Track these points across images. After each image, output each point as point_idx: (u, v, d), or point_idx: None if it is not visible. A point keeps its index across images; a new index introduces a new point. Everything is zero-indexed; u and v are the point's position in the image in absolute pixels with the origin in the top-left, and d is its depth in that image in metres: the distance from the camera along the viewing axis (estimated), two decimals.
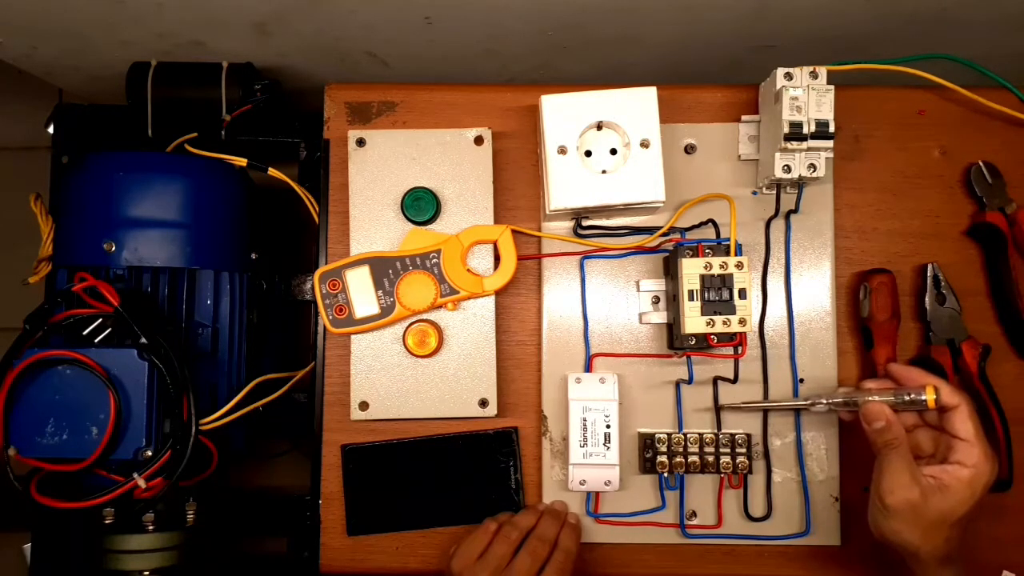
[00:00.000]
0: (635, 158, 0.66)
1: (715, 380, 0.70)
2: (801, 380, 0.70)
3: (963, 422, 0.57)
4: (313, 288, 0.69)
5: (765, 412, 0.70)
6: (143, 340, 0.66)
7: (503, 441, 0.72)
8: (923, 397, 0.58)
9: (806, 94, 0.65)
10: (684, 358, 0.70)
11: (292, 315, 0.90)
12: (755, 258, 0.71)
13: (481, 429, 0.72)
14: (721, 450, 0.69)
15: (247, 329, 0.78)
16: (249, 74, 0.84)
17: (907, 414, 0.61)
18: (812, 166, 0.66)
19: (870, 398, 0.60)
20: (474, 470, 0.71)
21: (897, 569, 0.61)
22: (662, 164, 0.66)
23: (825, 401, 0.64)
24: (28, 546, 0.81)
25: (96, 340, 0.68)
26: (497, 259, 0.69)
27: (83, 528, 0.76)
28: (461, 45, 0.85)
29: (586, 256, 0.72)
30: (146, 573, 0.69)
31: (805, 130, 0.64)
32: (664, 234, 0.70)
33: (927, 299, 0.71)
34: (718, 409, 0.70)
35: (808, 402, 0.65)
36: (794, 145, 0.65)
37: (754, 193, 0.72)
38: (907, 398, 0.59)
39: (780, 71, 0.65)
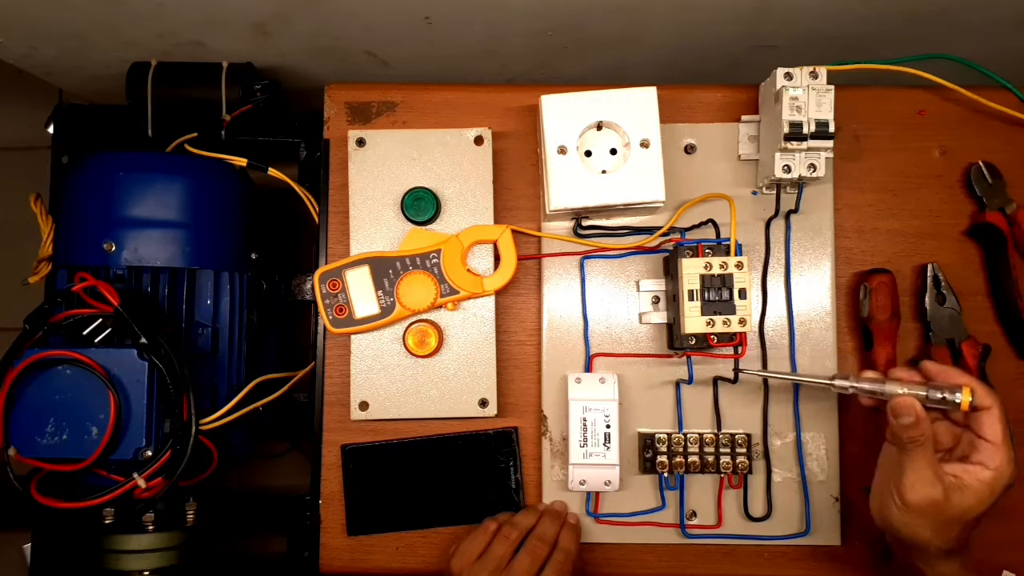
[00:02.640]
0: (635, 158, 0.66)
1: (715, 380, 0.70)
2: None
3: (992, 424, 0.55)
4: (313, 288, 0.69)
5: (765, 411, 0.70)
6: (143, 340, 0.66)
7: (503, 441, 0.72)
8: (957, 398, 0.56)
9: (806, 94, 0.65)
10: (684, 358, 0.70)
11: (292, 315, 0.90)
12: (755, 258, 0.71)
13: (481, 429, 0.72)
14: (721, 450, 0.69)
15: (247, 329, 0.78)
16: (249, 74, 0.84)
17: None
18: (812, 166, 0.66)
19: (900, 391, 0.57)
20: (474, 470, 0.71)
21: (898, 557, 0.61)
22: (662, 164, 0.66)
23: (850, 384, 0.60)
24: (28, 546, 0.81)
25: (96, 340, 0.68)
26: (497, 259, 0.69)
27: (83, 528, 0.76)
28: (461, 45, 0.85)
29: (586, 256, 0.72)
30: (146, 573, 0.69)
31: (805, 130, 0.64)
32: (664, 234, 0.70)
33: (927, 299, 0.71)
34: (718, 409, 0.70)
35: (831, 380, 0.61)
36: (794, 145, 0.65)
37: (754, 193, 0.72)
38: (939, 396, 0.56)
39: (780, 71, 0.65)
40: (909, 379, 0.59)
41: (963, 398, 0.56)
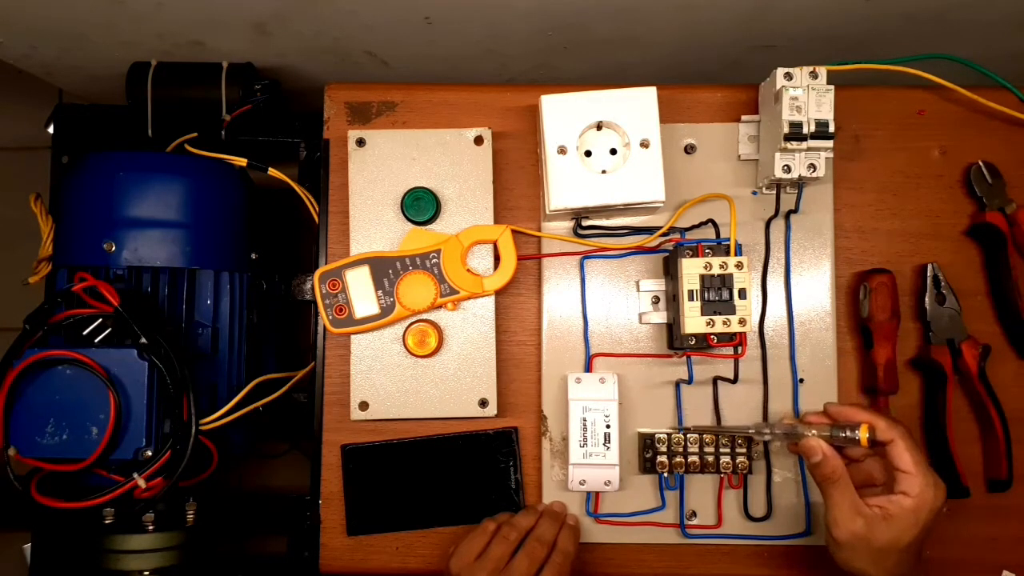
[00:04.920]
0: (635, 158, 0.66)
1: (715, 380, 0.70)
2: (801, 380, 0.70)
3: (901, 455, 0.57)
4: (313, 288, 0.69)
5: (765, 412, 0.70)
6: (143, 340, 0.66)
7: (503, 441, 0.72)
8: (857, 435, 0.58)
9: (806, 94, 0.65)
10: (684, 358, 0.70)
11: (292, 315, 0.90)
12: (755, 258, 0.71)
13: (481, 429, 0.72)
14: (721, 450, 0.69)
15: (247, 329, 0.78)
16: (249, 74, 0.84)
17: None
18: (812, 166, 0.66)
19: (808, 433, 0.60)
20: (474, 470, 0.71)
21: None
22: (662, 164, 0.66)
23: (768, 432, 0.63)
24: (28, 546, 0.81)
25: (96, 340, 0.68)
26: (497, 259, 0.69)
27: (83, 528, 0.76)
28: (461, 45, 0.85)
29: (586, 256, 0.72)
30: (146, 573, 0.69)
31: (805, 130, 0.64)
32: (664, 234, 0.70)
33: (927, 299, 0.71)
34: (718, 409, 0.70)
35: (753, 431, 0.64)
36: (794, 145, 0.65)
37: (754, 193, 0.72)
38: (842, 435, 0.58)
39: (780, 71, 0.65)
40: (817, 422, 0.61)
41: (861, 435, 0.58)
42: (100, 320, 0.68)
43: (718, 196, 0.70)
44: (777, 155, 0.66)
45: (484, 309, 0.70)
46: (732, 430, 0.68)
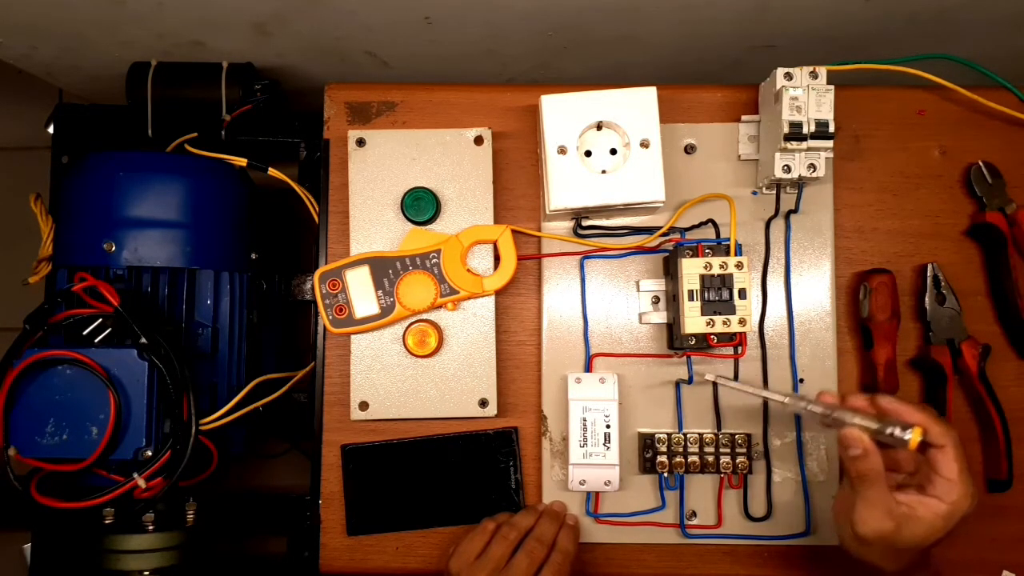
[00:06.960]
0: (635, 158, 0.66)
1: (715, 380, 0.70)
2: (801, 380, 0.70)
3: (948, 463, 0.54)
4: (313, 288, 0.69)
5: (765, 411, 0.70)
6: (143, 340, 0.66)
7: (503, 441, 0.72)
8: (907, 436, 0.54)
9: (806, 94, 0.65)
10: (684, 358, 0.70)
11: (292, 315, 0.90)
12: (755, 258, 0.71)
13: (481, 429, 0.72)
14: (721, 450, 0.69)
15: (247, 329, 0.78)
16: (249, 74, 0.84)
17: None
18: (812, 166, 0.66)
19: (852, 419, 0.56)
20: (474, 470, 0.71)
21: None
22: (662, 164, 0.66)
23: (804, 406, 0.59)
24: (28, 546, 0.81)
25: (96, 340, 0.68)
26: (497, 259, 0.69)
27: (83, 528, 0.76)
28: (461, 45, 0.85)
29: (586, 256, 0.72)
30: (146, 573, 0.69)
31: (805, 130, 0.64)
32: (664, 234, 0.70)
33: (927, 299, 0.71)
34: (718, 409, 0.70)
35: (784, 399, 0.60)
36: (794, 145, 0.65)
37: (754, 193, 0.72)
38: (889, 431, 0.54)
39: (780, 71, 0.65)
40: (863, 408, 0.57)
41: (912, 438, 0.54)
42: (100, 320, 0.68)
43: (718, 196, 0.70)
44: (777, 155, 0.66)
45: (484, 309, 0.70)
46: (769, 395, 0.62)
